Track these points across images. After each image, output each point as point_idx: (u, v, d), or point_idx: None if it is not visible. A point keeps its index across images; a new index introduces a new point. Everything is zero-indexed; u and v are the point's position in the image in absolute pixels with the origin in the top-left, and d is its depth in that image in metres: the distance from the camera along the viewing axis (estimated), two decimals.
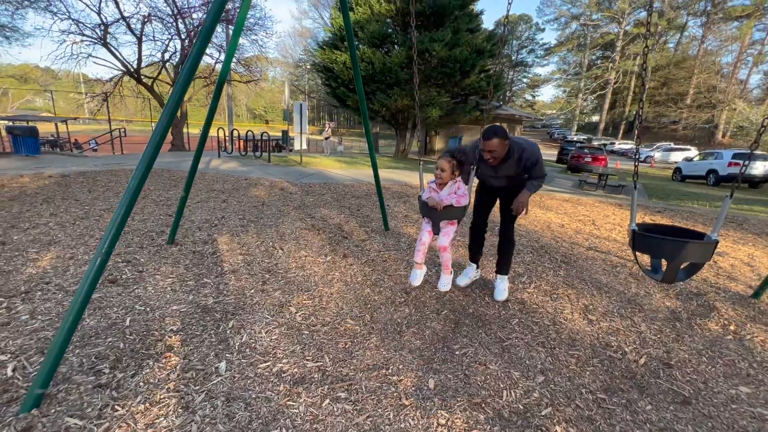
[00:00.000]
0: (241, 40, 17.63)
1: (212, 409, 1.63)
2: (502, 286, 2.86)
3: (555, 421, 1.68)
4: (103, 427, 1.51)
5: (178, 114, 14.98)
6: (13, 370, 1.81)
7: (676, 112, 46.57)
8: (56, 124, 20.32)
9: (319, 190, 7.10)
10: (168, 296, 2.65)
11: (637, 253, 1.90)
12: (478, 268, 3.11)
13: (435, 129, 20.92)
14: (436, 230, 2.42)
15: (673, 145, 32.88)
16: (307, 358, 2.04)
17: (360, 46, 16.17)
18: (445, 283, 2.59)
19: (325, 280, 3.04)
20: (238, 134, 13.89)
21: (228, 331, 2.24)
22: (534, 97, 67.63)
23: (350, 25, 3.44)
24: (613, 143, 40.56)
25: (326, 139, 19.03)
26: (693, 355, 2.28)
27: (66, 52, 13.19)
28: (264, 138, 12.24)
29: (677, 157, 28.74)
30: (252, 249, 3.69)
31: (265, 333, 2.25)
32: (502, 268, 2.85)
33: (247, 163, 10.43)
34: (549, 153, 28.83)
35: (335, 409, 1.69)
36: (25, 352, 1.96)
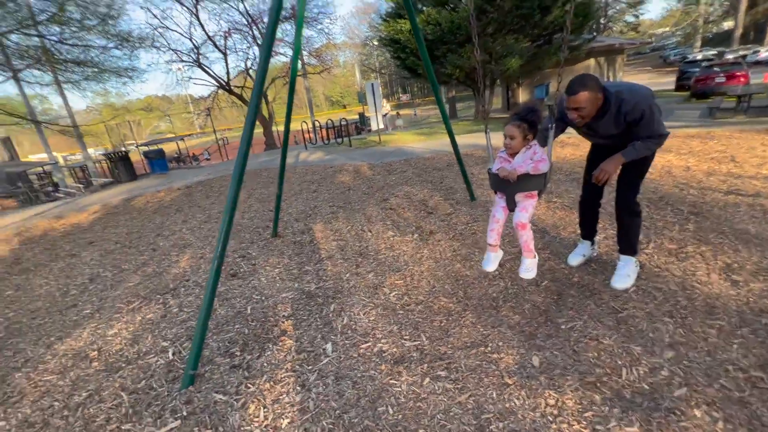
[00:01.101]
0: (308, 32, 18.26)
1: (324, 387, 1.80)
2: (625, 271, 2.28)
3: (693, 403, 1.45)
4: (241, 402, 1.78)
5: (266, 115, 16.35)
6: (173, 354, 2.24)
7: None
8: (177, 143, 24.00)
9: (400, 167, 7.12)
10: (278, 285, 2.97)
11: None
12: (593, 245, 2.65)
13: (517, 81, 19.09)
14: (512, 206, 2.03)
15: None
16: (405, 337, 2.10)
17: (424, 8, 15.36)
18: (527, 269, 2.15)
19: (414, 259, 3.07)
20: (319, 124, 14.61)
21: (330, 315, 2.42)
22: (637, 17, 56.49)
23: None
24: (758, 51, 32.00)
25: (384, 115, 18.85)
26: None
27: (173, 80, 15.28)
28: (342, 123, 12.66)
29: None
30: (344, 234, 3.90)
31: (364, 314, 2.37)
32: (624, 245, 2.30)
33: (331, 151, 10.96)
34: (664, 81, 24.12)
35: (436, 388, 1.71)
36: (179, 339, 2.40)
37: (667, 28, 50.04)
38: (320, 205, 5.19)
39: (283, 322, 2.41)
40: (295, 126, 14.09)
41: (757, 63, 24.98)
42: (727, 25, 46.70)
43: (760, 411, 1.39)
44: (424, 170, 6.53)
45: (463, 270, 2.79)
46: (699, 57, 30.12)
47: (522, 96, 20.63)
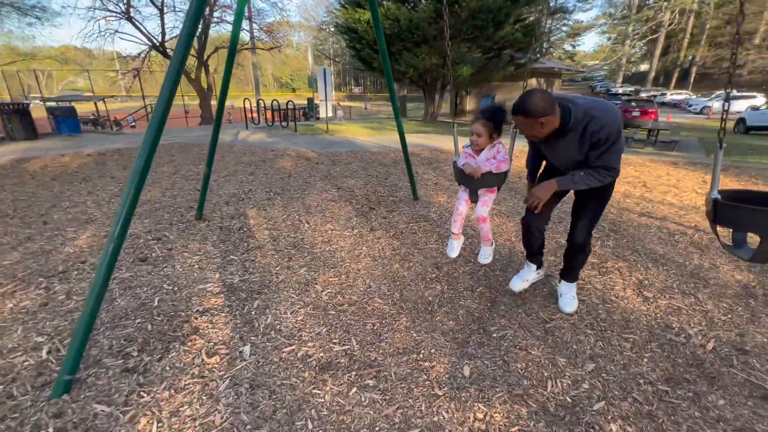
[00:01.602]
0: (261, 4, 17.07)
1: (236, 397, 1.58)
2: (570, 294, 2.23)
3: (609, 417, 1.49)
4: (129, 414, 1.49)
5: (205, 86, 15.03)
6: (48, 353, 1.84)
7: (742, 54, 41.36)
8: (95, 103, 21.10)
9: (346, 158, 6.91)
10: (195, 274, 2.62)
11: (718, 227, 1.58)
12: (540, 269, 2.35)
13: (466, 88, 19.79)
14: (474, 198, 2.19)
15: (736, 93, 29.33)
16: (334, 341, 1.95)
17: (384, 2, 15.19)
18: (485, 255, 2.40)
19: (352, 255, 2.92)
20: (264, 104, 13.77)
21: (253, 312, 2.17)
22: (574, 47, 62.01)
23: None
24: (665, 94, 36.96)
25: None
26: (766, 337, 1.97)
27: (94, 30, 13.34)
28: (289, 107, 12.05)
29: (740, 106, 25.60)
30: (278, 223, 3.61)
31: (291, 314, 2.17)
32: (568, 276, 2.22)
33: (275, 134, 10.36)
34: None
35: (363, 399, 1.58)
36: (60, 334, 1.99)
37: (597, 62, 55.58)
38: (256, 189, 4.80)
39: (195, 318, 2.11)
40: (238, 103, 13.08)
41: (663, 104, 28.66)
42: (644, 67, 53.29)
43: (665, 425, 1.47)
44: (369, 164, 6.39)
45: (401, 270, 2.70)
46: (620, 91, 33.99)
47: (469, 104, 21.47)
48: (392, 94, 3.77)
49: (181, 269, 2.70)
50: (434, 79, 16.97)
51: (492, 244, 2.39)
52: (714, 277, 2.61)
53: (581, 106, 1.70)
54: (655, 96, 31.89)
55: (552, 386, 1.65)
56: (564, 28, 59.97)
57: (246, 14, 17.62)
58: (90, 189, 4.83)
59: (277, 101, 13.04)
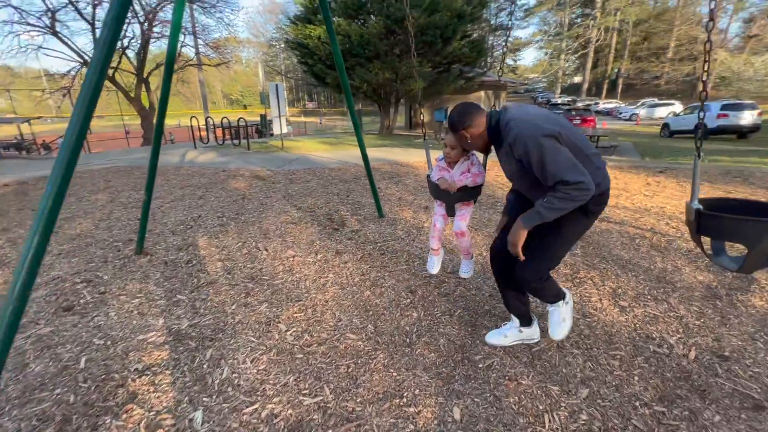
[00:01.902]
0: (205, 20, 16.47)
1: None
2: (557, 317, 1.83)
3: None
4: None
5: (147, 106, 14.07)
6: None
7: (658, 67, 46.31)
8: (18, 126, 19.05)
9: (304, 176, 6.63)
10: (134, 323, 2.25)
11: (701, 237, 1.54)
12: (526, 325, 1.96)
13: (419, 102, 20.20)
14: (451, 212, 2.12)
15: (657, 101, 32.68)
16: (304, 392, 1.69)
17: (334, 18, 15.21)
18: (466, 270, 2.32)
19: (317, 285, 2.67)
20: (213, 122, 13.12)
21: (205, 365, 1.86)
22: (516, 61, 66.26)
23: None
24: (597, 103, 40.27)
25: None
26: (746, 341, 1.99)
27: (13, 45, 12.06)
28: (241, 124, 11.55)
29: (662, 112, 28.65)
30: (233, 252, 3.28)
31: (251, 362, 1.88)
32: (546, 301, 1.88)
33: (226, 153, 9.81)
34: None
35: None
36: None
37: (537, 75, 59.63)
38: (206, 215, 4.40)
39: (133, 381, 1.76)
40: (185, 121, 12.33)
41: (597, 112, 31.09)
42: (577, 79, 58.00)
43: None
44: (329, 181, 6.16)
45: (372, 298, 2.49)
46: (559, 101, 36.65)
47: (424, 116, 21.93)
48: (351, 108, 3.61)
49: (116, 317, 2.30)
50: (388, 93, 17.16)
51: (472, 258, 2.32)
52: (679, 279, 2.66)
53: (507, 117, 1.56)
54: (589, 105, 34.78)
55: (550, 421, 1.51)
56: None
57: (190, 30, 16.89)
58: (5, 225, 4.17)
59: (227, 118, 12.46)
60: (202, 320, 2.25)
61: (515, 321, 1.97)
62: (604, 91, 51.80)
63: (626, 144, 12.78)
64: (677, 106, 28.24)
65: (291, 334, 2.10)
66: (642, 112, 30.02)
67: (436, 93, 17.77)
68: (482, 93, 20.15)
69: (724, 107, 15.57)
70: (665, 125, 18.66)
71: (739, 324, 2.13)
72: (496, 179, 5.69)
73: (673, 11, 44.96)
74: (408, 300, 2.45)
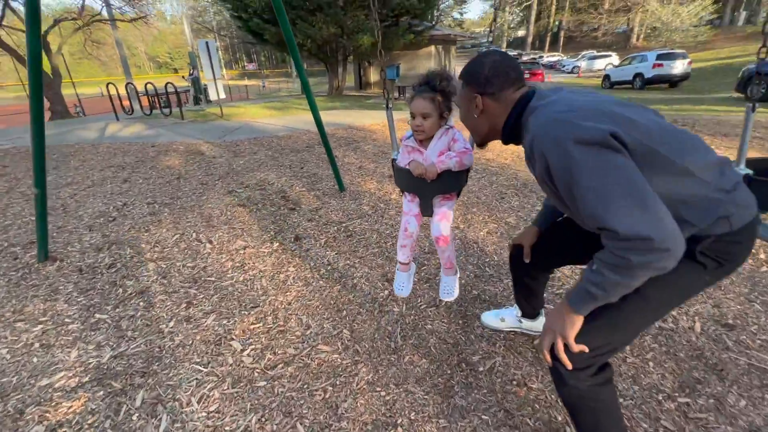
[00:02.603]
0: None
1: None
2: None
3: None
4: None
5: (49, 71, 11.93)
6: None
7: (596, 19, 47.59)
8: None
9: (250, 147, 5.90)
10: (35, 361, 1.72)
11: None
12: (529, 318, 1.70)
13: (368, 59, 19.15)
14: (428, 211, 1.57)
15: (596, 53, 33.76)
16: None
17: None
18: (449, 289, 1.72)
19: (276, 283, 2.24)
20: (135, 89, 11.45)
21: (135, 416, 1.42)
22: (462, 14, 64.97)
23: None
24: (542, 56, 40.94)
25: (194, 82, 13.43)
26: (744, 303, 1.90)
27: None
28: (169, 90, 10.14)
29: (600, 64, 29.73)
30: (168, 249, 2.72)
31: (198, 402, 1.47)
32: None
33: (155, 124, 8.59)
34: None
35: None
36: None
37: (483, 29, 59.05)
38: (133, 202, 3.70)
39: None
40: (107, 90, 10.55)
41: (543, 65, 31.60)
42: (521, 33, 58.39)
43: None
44: (279, 152, 5.52)
45: (344, 293, 2.12)
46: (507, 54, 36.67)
47: (374, 75, 20.94)
48: (299, 66, 3.01)
49: (8, 356, 1.75)
50: (334, 51, 15.96)
51: (456, 273, 1.73)
52: None
53: (536, 103, 1.00)
54: (535, 58, 35.24)
55: None
56: None
57: None
58: None
59: (152, 84, 10.89)
60: (131, 347, 1.77)
61: (517, 310, 1.71)
62: (547, 45, 52.70)
63: None
64: (614, 58, 29.39)
65: (249, 354, 1.70)
66: (583, 64, 30.93)
67: (385, 48, 16.82)
68: (432, 48, 19.44)
69: (659, 57, 16.24)
70: (606, 76, 19.27)
71: (732, 285, 2.04)
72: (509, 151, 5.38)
73: None
74: (386, 292, 2.12)
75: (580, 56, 34.23)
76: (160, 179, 4.42)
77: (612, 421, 1.04)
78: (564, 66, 33.30)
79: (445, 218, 1.55)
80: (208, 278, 2.31)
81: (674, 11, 30.44)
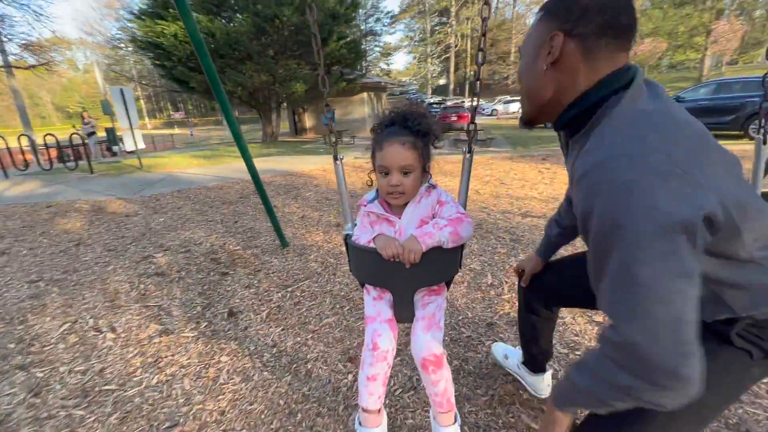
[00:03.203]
0: (3, 8, 12.66)
1: None
2: None
3: None
4: None
5: None
6: None
7: (505, 69, 54.08)
8: None
9: (173, 201, 5.21)
10: None
11: None
12: (531, 370, 1.45)
13: (302, 105, 19.25)
14: (405, 313, 1.11)
15: (510, 98, 37.91)
16: None
17: (191, 13, 13.18)
18: None
19: (204, 383, 1.71)
20: (33, 142, 10.04)
21: None
22: (388, 65, 69.80)
23: None
24: (464, 102, 44.91)
25: (89, 135, 11.58)
26: None
27: None
28: (75, 141, 8.97)
29: (515, 107, 33.41)
30: (51, 346, 2.03)
31: None
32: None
33: (56, 180, 7.42)
34: None
35: None
36: None
37: (409, 78, 63.78)
38: (9, 282, 2.88)
39: None
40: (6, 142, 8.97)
41: (467, 108, 34.44)
42: (443, 81, 64.06)
43: None
44: (209, 205, 4.92)
45: (296, 386, 1.66)
46: (433, 101, 39.85)
47: (308, 121, 21.00)
48: (227, 113, 2.62)
49: None
50: (267, 98, 15.77)
51: (457, 420, 1.12)
52: None
53: (615, 105, 0.70)
54: (458, 103, 38.51)
55: None
56: (377, 49, 66.76)
57: None
58: None
59: (52, 135, 9.60)
60: None
61: (521, 355, 1.45)
62: (467, 91, 58.14)
63: (497, 137, 14.05)
64: None
65: None
66: (500, 108, 34.39)
67: (319, 96, 16.96)
68: (365, 94, 20.16)
69: None
70: (521, 118, 21.40)
71: None
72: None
73: (510, 22, 52.90)
74: (350, 376, 1.69)
75: (496, 101, 38.16)
76: (53, 248, 3.59)
77: None
78: (484, 109, 36.70)
79: (434, 325, 1.07)
80: (106, 387, 1.70)
81: None
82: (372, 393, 1.07)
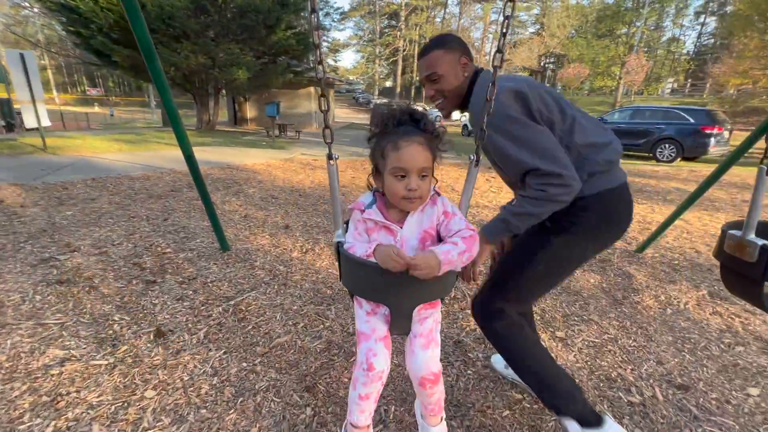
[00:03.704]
0: None
1: None
2: None
3: None
4: None
5: None
6: None
7: None
8: None
9: (85, 191, 4.45)
10: None
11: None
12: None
13: (244, 94, 18.10)
14: (402, 329, 1.02)
15: None
16: None
17: None
18: None
19: (121, 428, 1.36)
20: None
21: None
22: (336, 61, 68.91)
23: None
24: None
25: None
26: (677, 356, 1.89)
27: None
28: None
29: (456, 115, 34.86)
30: None
31: None
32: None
33: None
34: (360, 117, 29.87)
35: None
36: None
37: (356, 76, 63.65)
38: None
39: None
40: None
41: None
42: (389, 83, 64.96)
43: None
44: (132, 198, 4.28)
45: (244, 424, 1.39)
46: (380, 102, 40.26)
47: (250, 111, 19.81)
48: (164, 91, 2.19)
49: None
50: (204, 82, 14.55)
51: (442, 419, 1.17)
52: (580, 285, 2.56)
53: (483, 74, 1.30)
54: None
55: None
56: (325, 44, 65.59)
57: None
58: None
59: None
60: None
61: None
62: (413, 95, 59.49)
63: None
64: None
65: None
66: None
67: (263, 86, 16.14)
68: (312, 89, 19.55)
69: None
70: (464, 126, 22.32)
71: (658, 334, 2.06)
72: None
73: (455, 33, 55.09)
74: (308, 410, 1.46)
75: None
76: None
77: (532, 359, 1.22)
78: (429, 115, 37.92)
79: (432, 341, 1.03)
80: None
81: (506, 70, 37.93)
82: (363, 410, 1.06)
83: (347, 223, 1.11)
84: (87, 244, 2.94)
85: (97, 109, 37.96)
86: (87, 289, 2.28)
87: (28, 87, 7.01)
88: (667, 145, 10.24)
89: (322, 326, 2.00)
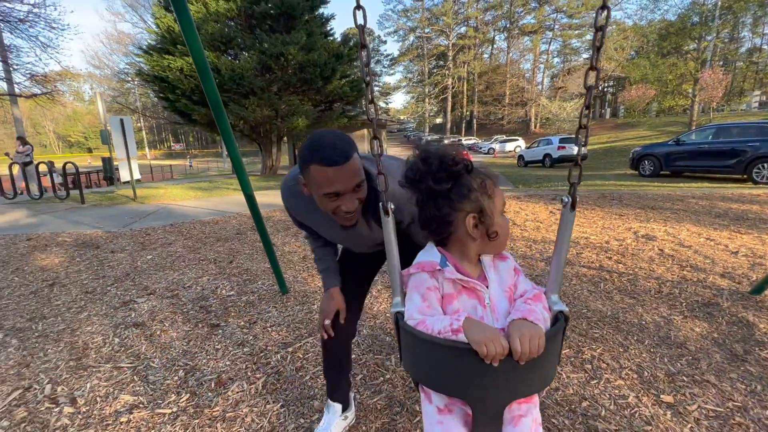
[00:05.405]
0: (12, 38, 12.82)
1: None
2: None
3: None
4: None
5: None
6: None
7: (500, 110, 55.93)
8: None
9: (164, 236, 4.87)
10: None
11: None
12: (347, 409, 1.52)
13: (303, 139, 19.39)
14: (489, 428, 0.74)
15: (505, 137, 38.88)
16: None
17: None
18: None
19: None
20: (23, 170, 9.80)
21: None
22: (387, 104, 72.18)
23: (189, 16, 1.70)
24: (460, 140, 46.01)
25: (26, 165, 10.25)
26: (583, 389, 1.44)
27: None
28: (69, 170, 8.73)
29: (511, 146, 34.17)
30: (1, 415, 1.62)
31: None
32: None
33: (43, 210, 7.07)
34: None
35: None
36: None
37: (406, 116, 65.71)
38: None
39: None
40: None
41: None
42: (439, 120, 65.96)
43: None
44: (202, 241, 4.58)
45: None
46: (430, 139, 40.94)
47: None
48: (229, 139, 2.35)
49: None
50: (268, 131, 15.86)
51: None
52: (683, 336, 2.15)
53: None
54: (456, 141, 39.44)
55: None
56: (377, 88, 69.23)
57: None
58: None
59: (50, 162, 9.38)
60: None
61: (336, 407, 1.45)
62: (463, 130, 59.69)
63: (498, 174, 14.06)
64: (521, 141, 34.08)
65: None
66: (497, 146, 35.08)
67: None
68: (365, 131, 20.44)
69: (561, 140, 18.80)
70: (520, 157, 21.67)
71: (568, 371, 1.62)
72: None
73: (505, 66, 55.30)
74: None
75: (492, 140, 39.11)
76: (24, 288, 3.21)
77: None
78: (481, 148, 37.48)
79: None
80: None
81: (560, 106, 36.74)
82: None
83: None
84: (162, 287, 3.14)
85: (179, 161, 43.03)
86: (159, 331, 2.38)
87: (125, 146, 8.11)
88: (765, 165, 8.98)
89: (382, 378, 1.85)
